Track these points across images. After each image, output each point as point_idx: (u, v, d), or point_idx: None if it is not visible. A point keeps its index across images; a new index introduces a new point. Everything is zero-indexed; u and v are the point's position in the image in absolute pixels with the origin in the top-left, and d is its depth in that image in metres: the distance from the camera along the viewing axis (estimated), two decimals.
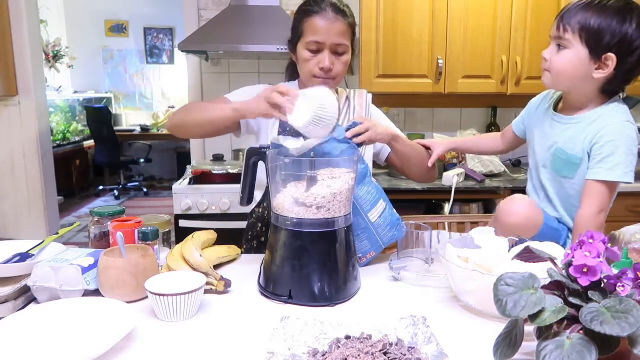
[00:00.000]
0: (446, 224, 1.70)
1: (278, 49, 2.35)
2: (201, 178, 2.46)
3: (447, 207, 2.30)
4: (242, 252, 1.42)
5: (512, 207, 1.16)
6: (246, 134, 1.42)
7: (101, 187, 6.03)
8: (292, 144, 1.05)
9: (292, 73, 1.46)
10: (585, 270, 0.67)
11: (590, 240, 0.70)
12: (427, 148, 1.44)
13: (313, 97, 1.05)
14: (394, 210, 1.25)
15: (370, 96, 1.44)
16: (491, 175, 2.50)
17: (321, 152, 1.09)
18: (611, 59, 1.11)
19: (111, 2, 6.35)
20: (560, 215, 1.28)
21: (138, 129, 6.23)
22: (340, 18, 1.25)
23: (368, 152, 1.38)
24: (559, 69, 1.16)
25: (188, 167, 2.69)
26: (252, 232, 1.43)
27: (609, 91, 1.20)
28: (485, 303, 0.90)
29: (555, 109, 1.29)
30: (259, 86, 1.39)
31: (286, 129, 1.31)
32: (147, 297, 0.94)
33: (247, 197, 1.15)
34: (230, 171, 2.49)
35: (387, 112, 2.81)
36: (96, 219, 1.18)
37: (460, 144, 1.56)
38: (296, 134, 1.12)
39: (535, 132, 1.32)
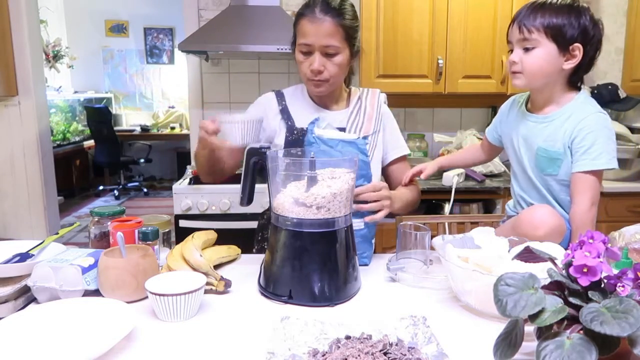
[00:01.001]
0: (446, 224, 1.70)
1: (278, 49, 2.35)
2: None
3: (447, 207, 2.30)
4: (254, 252, 1.42)
5: (536, 218, 1.13)
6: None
7: (101, 187, 6.03)
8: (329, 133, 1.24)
9: None
10: (585, 270, 0.67)
11: (590, 241, 0.70)
12: (415, 176, 1.42)
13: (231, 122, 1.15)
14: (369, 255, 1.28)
15: (383, 96, 1.41)
16: (491, 175, 2.50)
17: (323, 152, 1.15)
18: (578, 48, 1.18)
19: (111, 2, 6.35)
20: (557, 211, 1.29)
21: (138, 129, 6.23)
22: (328, 18, 1.20)
23: (377, 154, 1.36)
24: (533, 68, 1.20)
25: (188, 167, 2.69)
26: (263, 233, 1.43)
27: (574, 82, 1.26)
28: (484, 303, 0.90)
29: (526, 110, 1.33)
30: (260, 99, 1.42)
31: (293, 132, 1.31)
32: (147, 297, 0.94)
33: (247, 197, 1.15)
34: None
35: None
36: (96, 219, 1.18)
37: (448, 162, 1.57)
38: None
39: (514, 137, 1.34)
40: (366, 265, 1.24)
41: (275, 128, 1.36)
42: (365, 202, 1.16)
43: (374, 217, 1.18)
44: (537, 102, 1.29)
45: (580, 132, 1.20)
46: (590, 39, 1.19)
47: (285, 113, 1.36)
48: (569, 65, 1.20)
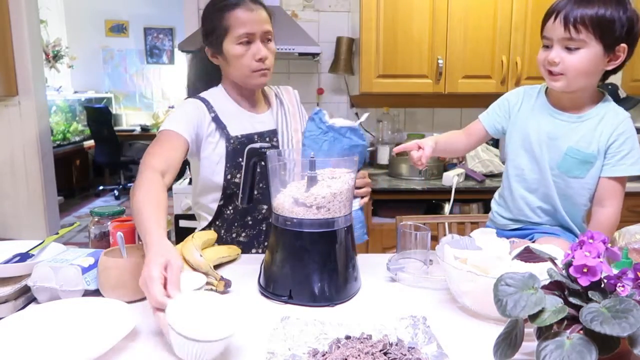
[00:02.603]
0: (446, 224, 1.70)
1: (278, 49, 2.34)
2: None
3: (447, 207, 2.30)
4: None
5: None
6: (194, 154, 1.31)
7: (101, 187, 6.03)
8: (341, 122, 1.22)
9: (204, 78, 1.40)
10: (585, 270, 0.67)
11: (590, 241, 0.70)
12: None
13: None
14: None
15: (296, 92, 1.47)
16: (491, 175, 2.50)
17: (326, 147, 1.19)
18: (623, 49, 1.12)
19: (111, 2, 6.35)
20: (559, 215, 1.28)
21: (138, 129, 6.23)
22: (259, 7, 1.27)
23: None
24: (578, 70, 1.12)
25: (188, 167, 2.68)
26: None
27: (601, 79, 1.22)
28: (480, 304, 0.90)
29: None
30: (186, 104, 1.30)
31: (230, 141, 1.28)
32: (146, 297, 0.94)
33: (247, 197, 1.15)
34: None
35: (387, 112, 2.83)
36: (96, 219, 1.18)
37: (439, 143, 1.42)
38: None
39: (533, 134, 1.26)
40: (366, 240, 1.32)
41: (211, 139, 1.29)
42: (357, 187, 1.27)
43: (365, 200, 1.30)
44: (564, 100, 1.22)
45: (620, 136, 1.17)
46: (634, 35, 1.12)
47: (217, 121, 1.29)
48: (611, 66, 1.14)
